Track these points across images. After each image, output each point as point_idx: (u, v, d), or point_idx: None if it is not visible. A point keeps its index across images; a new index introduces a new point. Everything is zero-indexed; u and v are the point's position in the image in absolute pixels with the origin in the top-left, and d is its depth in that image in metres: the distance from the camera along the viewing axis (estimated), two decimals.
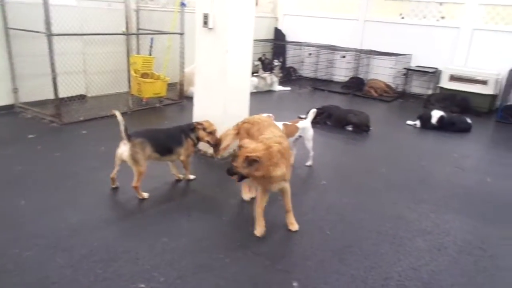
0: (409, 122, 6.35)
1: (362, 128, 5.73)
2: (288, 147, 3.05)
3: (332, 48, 9.15)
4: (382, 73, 8.58)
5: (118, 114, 3.21)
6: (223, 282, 2.45)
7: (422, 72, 8.24)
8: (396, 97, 8.29)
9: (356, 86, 8.66)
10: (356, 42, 9.17)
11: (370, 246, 2.94)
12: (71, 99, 5.71)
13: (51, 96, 5.21)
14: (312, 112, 4.31)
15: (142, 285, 2.38)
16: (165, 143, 3.55)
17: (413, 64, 8.50)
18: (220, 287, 2.41)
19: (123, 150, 3.31)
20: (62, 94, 5.35)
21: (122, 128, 3.24)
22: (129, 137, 3.28)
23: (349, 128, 5.81)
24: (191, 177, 3.86)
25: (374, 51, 8.68)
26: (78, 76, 6.01)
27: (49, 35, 4.83)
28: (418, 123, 6.21)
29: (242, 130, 3.47)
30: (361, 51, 8.83)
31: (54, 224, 2.94)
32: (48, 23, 4.78)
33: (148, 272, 2.50)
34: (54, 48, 4.93)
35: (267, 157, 2.76)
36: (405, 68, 8.39)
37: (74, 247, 2.69)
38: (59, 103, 5.19)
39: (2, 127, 5.04)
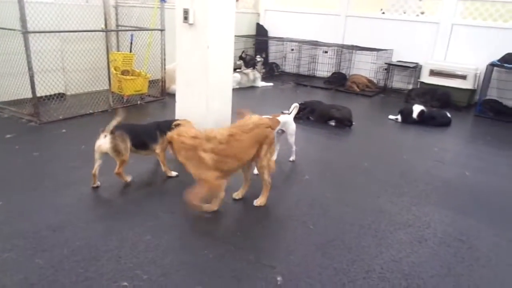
0: (390, 116, 6.43)
1: (344, 123, 5.78)
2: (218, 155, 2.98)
3: (314, 44, 9.19)
4: (364, 68, 8.65)
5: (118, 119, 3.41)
6: (207, 278, 2.45)
7: (403, 67, 8.34)
8: (378, 92, 8.38)
9: (338, 81, 8.72)
10: (338, 37, 9.23)
11: (352, 240, 2.97)
12: (49, 97, 5.59)
13: (28, 95, 5.09)
14: (295, 107, 4.32)
15: (125, 283, 2.36)
16: (140, 138, 3.64)
17: (394, 59, 8.60)
18: (204, 283, 2.41)
19: (103, 142, 3.37)
20: (40, 92, 5.24)
21: (114, 123, 3.37)
22: (112, 131, 3.38)
23: (332, 123, 5.85)
24: (173, 173, 3.83)
25: (356, 46, 8.75)
26: (57, 74, 5.89)
27: (25, 32, 4.71)
28: (399, 117, 6.29)
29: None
30: (343, 46, 8.89)
31: (34, 225, 2.88)
32: (23, 20, 4.66)
33: (131, 270, 2.48)
34: (30, 46, 4.81)
35: (177, 145, 2.94)
36: (386, 63, 8.48)
37: (55, 248, 2.64)
38: (37, 102, 5.07)
39: None
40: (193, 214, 3.20)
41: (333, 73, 8.98)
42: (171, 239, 2.84)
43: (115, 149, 3.39)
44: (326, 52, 9.25)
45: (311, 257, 2.73)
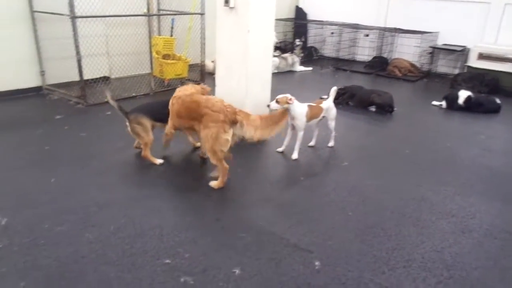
0: (434, 102, 6.19)
1: (385, 108, 5.64)
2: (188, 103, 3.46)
3: (355, 27, 8.94)
4: (407, 52, 8.35)
5: (109, 97, 3.65)
6: (245, 260, 2.50)
7: (449, 51, 7.97)
8: (421, 77, 8.08)
9: (379, 65, 8.47)
10: (380, 20, 8.93)
11: (392, 228, 2.93)
12: (95, 80, 5.81)
13: (76, 78, 5.31)
14: (334, 90, 4.26)
15: (168, 261, 2.45)
16: (161, 113, 3.78)
17: (440, 42, 8.23)
18: (242, 264, 2.46)
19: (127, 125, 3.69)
20: (87, 76, 5.44)
21: (116, 108, 3.62)
22: (127, 114, 3.64)
23: (372, 108, 5.72)
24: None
25: (399, 29, 8.44)
26: (102, 58, 6.08)
27: (73, 17, 4.89)
28: (444, 103, 6.06)
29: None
30: (385, 29, 8.60)
31: (83, 201, 3.04)
32: (72, 5, 4.84)
33: (173, 248, 2.57)
34: (78, 31, 5.00)
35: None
36: (431, 47, 8.14)
37: (103, 224, 2.78)
38: (84, 85, 5.29)
39: (32, 108, 5.19)
40: (232, 198, 3.26)
41: (374, 57, 8.74)
42: (211, 220, 2.91)
43: (133, 131, 3.65)
44: (367, 35, 8.99)
45: (349, 244, 2.72)
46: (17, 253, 2.45)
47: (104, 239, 2.63)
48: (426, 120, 5.62)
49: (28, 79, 5.62)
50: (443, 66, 8.26)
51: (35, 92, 5.68)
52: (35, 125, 4.53)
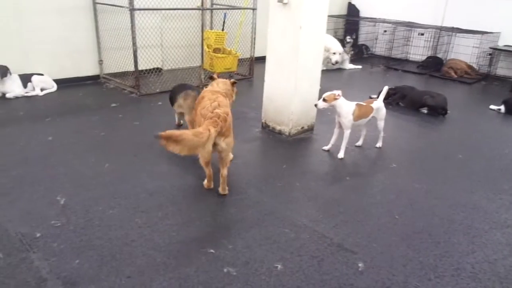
0: (492, 106, 5.87)
1: (438, 111, 5.41)
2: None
3: (410, 25, 8.63)
4: (464, 52, 7.96)
5: None
6: (288, 256, 2.51)
7: (511, 52, 7.50)
8: (478, 79, 7.67)
9: (433, 66, 8.14)
10: (437, 18, 8.55)
11: (441, 235, 2.82)
12: (148, 71, 6.02)
13: (131, 68, 5.54)
14: (385, 90, 4.15)
15: (212, 250, 2.51)
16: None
17: (501, 43, 7.77)
18: (284, 260, 2.47)
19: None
20: (141, 66, 5.66)
21: None
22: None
23: (424, 110, 5.52)
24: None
25: (457, 28, 8.05)
26: (156, 49, 6.29)
27: (132, 9, 5.09)
28: (502, 108, 5.72)
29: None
30: (441, 29, 8.23)
31: (134, 187, 3.18)
32: None
33: (217, 239, 2.63)
34: (135, 22, 5.20)
35: None
36: (491, 48, 7.70)
37: (151, 210, 2.90)
38: (138, 75, 5.49)
39: (90, 95, 5.48)
40: (276, 194, 3.28)
41: (428, 57, 8.40)
42: (255, 214, 2.95)
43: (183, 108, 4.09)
44: (422, 34, 8.65)
45: (395, 247, 2.66)
46: (73, 232, 2.61)
47: (152, 225, 2.73)
48: (482, 124, 5.34)
49: (87, 68, 5.93)
50: (503, 69, 7.79)
51: (93, 80, 5.98)
52: (92, 112, 4.78)
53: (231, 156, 3.40)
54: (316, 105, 3.82)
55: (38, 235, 2.54)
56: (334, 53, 7.48)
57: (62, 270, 2.26)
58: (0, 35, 5.08)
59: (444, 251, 2.64)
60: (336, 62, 7.51)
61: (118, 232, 2.65)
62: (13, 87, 5.09)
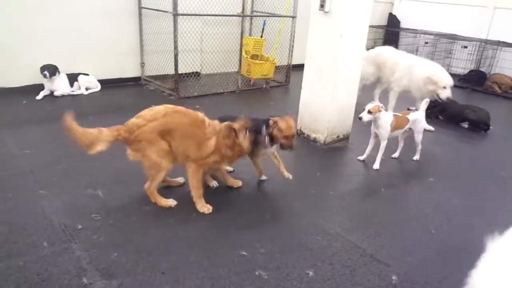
0: None
1: (480, 126, 5.24)
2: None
3: (452, 37, 8.42)
4: (509, 67, 7.67)
5: None
6: (320, 264, 2.50)
7: None
8: None
9: (476, 80, 7.88)
10: (482, 31, 8.31)
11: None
12: (187, 75, 6.16)
13: (171, 71, 5.70)
14: (425, 102, 4.06)
15: (244, 253, 2.54)
16: None
17: None
18: (316, 267, 2.46)
19: None
20: (181, 70, 5.80)
21: None
22: None
23: (465, 125, 5.36)
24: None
25: (503, 42, 7.78)
26: (195, 54, 6.44)
27: (175, 14, 5.25)
28: None
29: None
30: (486, 42, 7.98)
31: (170, 187, 3.25)
32: (175, 4, 5.19)
33: (250, 242, 2.65)
34: (178, 27, 5.35)
35: None
36: None
37: (186, 209, 2.96)
38: (178, 79, 5.64)
39: (131, 96, 5.67)
40: (309, 201, 3.27)
41: (471, 71, 8.15)
42: (288, 220, 2.96)
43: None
44: (465, 47, 8.41)
45: (430, 263, 2.59)
46: (112, 226, 2.71)
47: (187, 224, 2.80)
48: None
49: (130, 70, 6.14)
50: None
51: (135, 82, 6.18)
52: (132, 112, 4.83)
53: (179, 180, 3.31)
54: (360, 118, 3.73)
55: (79, 227, 2.66)
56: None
57: (101, 262, 2.35)
58: (51, 35, 5.36)
59: None
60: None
61: (154, 229, 2.73)
62: (60, 86, 5.34)
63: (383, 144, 3.87)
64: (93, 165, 3.51)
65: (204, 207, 2.97)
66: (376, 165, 3.89)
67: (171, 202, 3.01)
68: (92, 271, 2.27)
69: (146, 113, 2.91)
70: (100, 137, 2.78)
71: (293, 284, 2.31)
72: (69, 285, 2.16)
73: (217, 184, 3.34)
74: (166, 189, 3.19)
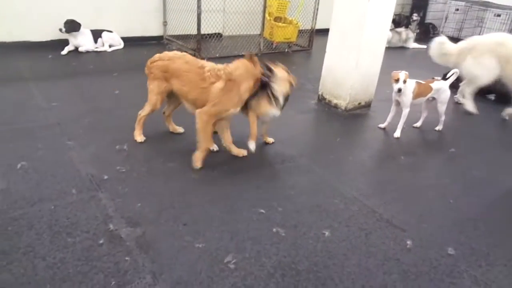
0: None
1: (507, 97, 5.09)
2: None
3: (486, 5, 8.06)
4: None
5: None
6: (336, 225, 2.56)
7: None
8: None
9: None
10: None
11: (496, 223, 2.74)
12: (209, 36, 6.11)
13: (193, 31, 5.65)
14: (454, 73, 3.96)
15: (262, 211, 2.61)
16: None
17: None
18: (332, 228, 2.52)
19: None
20: (203, 30, 5.75)
21: None
22: None
23: (491, 97, 5.23)
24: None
25: None
26: (218, 14, 6.35)
27: None
28: None
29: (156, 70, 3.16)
30: None
31: (192, 144, 3.31)
32: None
33: (268, 200, 2.72)
34: None
35: None
36: None
37: (208, 166, 3.03)
38: (200, 39, 5.60)
39: (152, 55, 5.62)
40: (328, 165, 3.30)
41: None
42: (306, 182, 3.00)
43: None
44: (498, 15, 8.05)
45: (446, 231, 2.62)
46: (136, 179, 2.81)
47: (208, 181, 2.88)
48: None
49: (152, 29, 6.13)
50: None
51: (157, 41, 6.18)
52: None
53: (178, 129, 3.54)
54: (400, 90, 3.64)
55: (105, 177, 2.77)
56: None
57: (126, 211, 2.46)
58: None
59: (498, 240, 2.57)
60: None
61: (177, 183, 2.82)
62: (85, 41, 5.39)
63: (405, 111, 3.83)
64: (119, 120, 3.60)
65: (197, 162, 3.00)
66: (397, 133, 3.87)
67: (139, 138, 3.30)
68: (118, 219, 2.38)
69: (162, 54, 3.21)
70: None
71: (309, 243, 2.38)
72: (97, 229, 2.28)
73: (217, 148, 3.32)
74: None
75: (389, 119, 3.99)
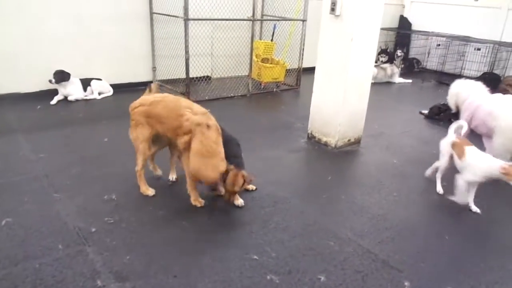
0: None
1: None
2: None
3: (465, 39, 8.33)
4: None
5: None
6: (331, 269, 2.49)
7: None
8: None
9: (490, 82, 7.68)
10: (495, 33, 8.20)
11: (495, 260, 2.69)
12: (198, 79, 6.21)
13: (182, 75, 5.75)
14: (461, 125, 3.74)
15: (255, 257, 2.54)
16: None
17: None
18: (327, 272, 2.46)
19: None
20: (192, 74, 5.84)
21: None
22: None
23: None
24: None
25: None
26: (206, 58, 6.48)
27: (186, 19, 5.30)
28: None
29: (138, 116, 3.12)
30: (500, 44, 7.87)
31: (182, 191, 3.27)
32: (186, 9, 5.24)
33: (261, 246, 2.66)
34: (188, 32, 5.39)
35: None
36: None
37: (198, 214, 2.98)
38: (189, 82, 5.68)
39: None
40: (320, 205, 3.26)
41: (484, 73, 8.04)
42: (299, 224, 2.95)
43: None
44: (478, 49, 8.31)
45: (444, 269, 2.56)
46: (125, 230, 2.74)
47: (198, 228, 2.81)
48: None
49: (141, 74, 6.21)
50: None
51: (146, 86, 6.23)
52: None
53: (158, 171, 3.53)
54: None
55: (93, 230, 2.69)
56: None
57: (114, 265, 2.38)
58: (63, 41, 5.45)
59: (498, 277, 2.52)
60: None
61: (166, 232, 2.75)
62: (74, 91, 5.42)
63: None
64: (107, 169, 3.56)
65: (196, 201, 3.07)
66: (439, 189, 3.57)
67: (150, 192, 3.20)
68: (106, 274, 2.30)
69: (143, 98, 3.20)
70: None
71: None
72: (84, 286, 2.19)
73: (161, 173, 3.48)
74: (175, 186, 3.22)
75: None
